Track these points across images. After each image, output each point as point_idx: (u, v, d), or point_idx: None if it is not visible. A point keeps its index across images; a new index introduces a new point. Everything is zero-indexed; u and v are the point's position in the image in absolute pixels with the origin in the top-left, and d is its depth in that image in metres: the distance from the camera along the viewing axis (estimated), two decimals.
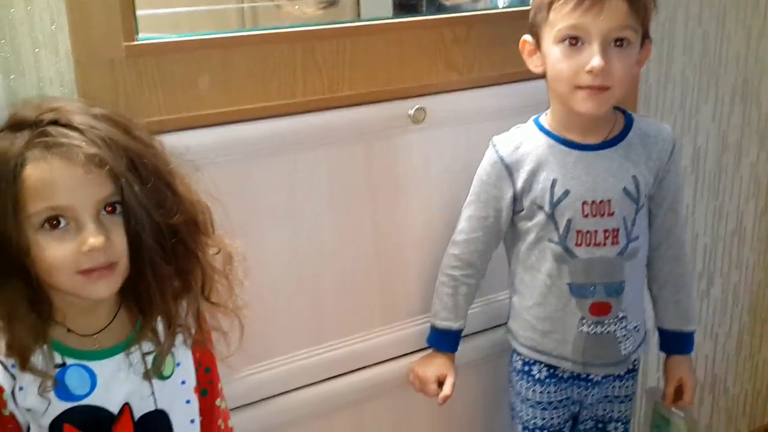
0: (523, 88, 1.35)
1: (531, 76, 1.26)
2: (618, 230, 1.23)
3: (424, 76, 1.30)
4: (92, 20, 1.02)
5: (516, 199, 1.26)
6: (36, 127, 0.82)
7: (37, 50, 1.02)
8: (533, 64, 1.23)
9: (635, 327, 1.31)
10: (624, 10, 1.13)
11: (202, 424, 0.99)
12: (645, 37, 1.20)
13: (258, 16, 1.49)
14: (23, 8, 0.99)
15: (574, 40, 1.15)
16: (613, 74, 1.14)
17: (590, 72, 1.13)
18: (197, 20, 1.39)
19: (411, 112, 1.28)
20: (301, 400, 1.31)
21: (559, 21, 1.15)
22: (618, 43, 1.15)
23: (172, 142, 1.06)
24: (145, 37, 1.07)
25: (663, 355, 1.41)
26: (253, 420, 1.24)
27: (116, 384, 0.91)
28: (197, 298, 0.93)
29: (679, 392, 1.39)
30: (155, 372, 0.93)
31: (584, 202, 1.22)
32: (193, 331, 0.95)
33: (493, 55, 1.35)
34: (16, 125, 0.83)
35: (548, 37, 1.18)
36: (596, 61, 1.12)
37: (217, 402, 1.03)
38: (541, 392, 1.33)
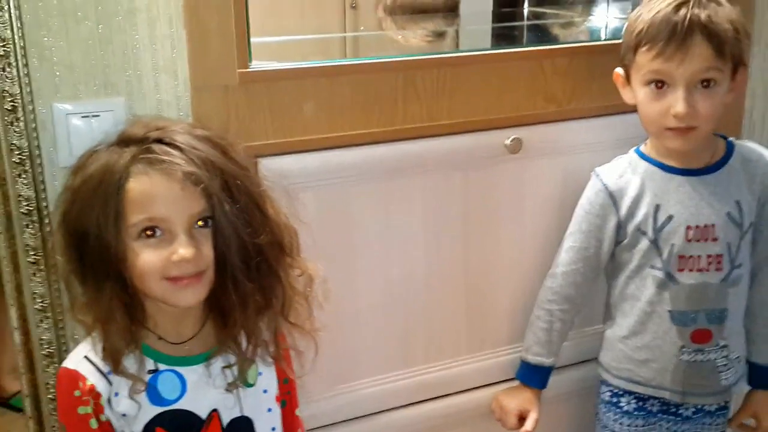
0: (621, 120, 1.34)
1: (628, 109, 1.25)
2: (722, 256, 1.21)
3: (522, 106, 1.30)
4: (210, 48, 1.08)
5: (620, 228, 1.25)
6: (142, 144, 0.87)
7: (157, 74, 1.08)
8: (626, 96, 1.24)
9: (737, 357, 1.27)
10: (708, 54, 1.13)
11: None
12: (738, 65, 1.19)
13: (359, 45, 1.52)
14: (147, 35, 1.06)
15: (660, 84, 1.16)
16: (699, 115, 1.15)
17: (675, 116, 1.15)
18: (300, 47, 1.44)
19: (508, 142, 1.28)
20: (387, 422, 1.32)
21: (644, 65, 1.17)
22: (704, 84, 1.15)
23: (277, 164, 1.12)
24: (256, 64, 1.12)
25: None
26: None
27: (205, 389, 0.95)
28: (277, 316, 0.96)
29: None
30: (240, 380, 0.96)
31: (688, 227, 1.21)
32: (271, 348, 0.98)
33: (592, 87, 1.35)
34: (124, 141, 0.89)
35: (636, 77, 1.20)
36: (680, 107, 1.14)
37: (296, 412, 1.05)
38: (629, 425, 1.31)
